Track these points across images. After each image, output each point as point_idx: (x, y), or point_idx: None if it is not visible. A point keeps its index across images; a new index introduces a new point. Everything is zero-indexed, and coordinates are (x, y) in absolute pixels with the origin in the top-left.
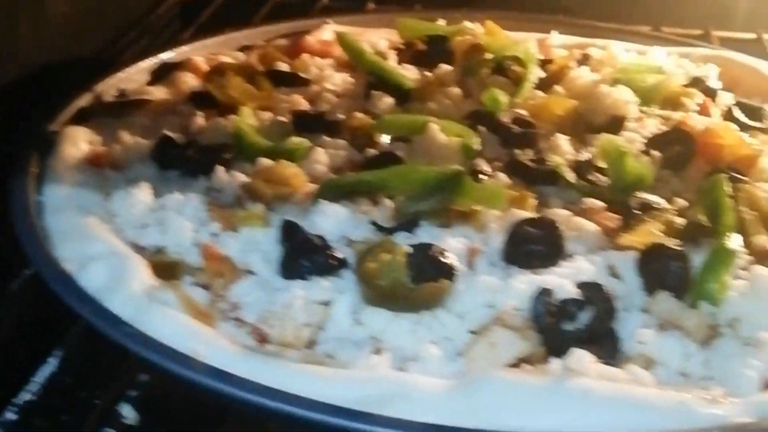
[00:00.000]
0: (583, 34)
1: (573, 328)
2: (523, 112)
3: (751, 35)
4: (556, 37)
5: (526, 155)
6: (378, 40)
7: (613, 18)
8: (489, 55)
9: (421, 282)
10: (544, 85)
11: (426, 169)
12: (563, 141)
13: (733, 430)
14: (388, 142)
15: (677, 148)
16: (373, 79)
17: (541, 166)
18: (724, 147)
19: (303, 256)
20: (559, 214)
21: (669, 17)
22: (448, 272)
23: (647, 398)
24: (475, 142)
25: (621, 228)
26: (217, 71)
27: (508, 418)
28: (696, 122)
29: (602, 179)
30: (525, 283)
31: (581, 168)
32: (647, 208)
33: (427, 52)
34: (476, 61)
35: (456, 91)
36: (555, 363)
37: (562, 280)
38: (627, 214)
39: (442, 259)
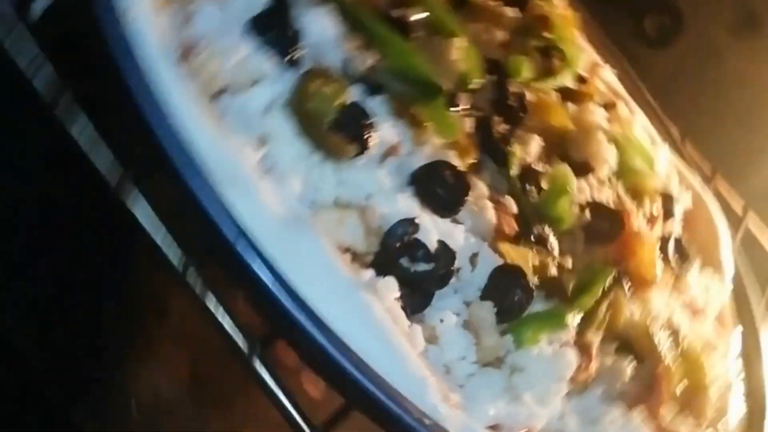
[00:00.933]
0: (628, 89)
1: (406, 266)
2: (530, 96)
3: (738, 205)
4: (607, 72)
5: (498, 125)
6: None
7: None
8: (546, 34)
9: (335, 131)
10: (562, 94)
11: (420, 62)
12: (536, 143)
13: (436, 428)
14: (418, 17)
15: (605, 226)
16: None
17: (502, 144)
18: (636, 257)
19: (270, 28)
20: (479, 186)
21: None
22: (361, 144)
23: (404, 353)
24: (476, 82)
25: (509, 237)
26: None
27: (304, 278)
28: (636, 222)
29: (534, 194)
30: (406, 206)
31: (527, 173)
32: (541, 241)
33: None
34: (534, 28)
35: (500, 35)
36: (369, 273)
37: (433, 228)
38: (524, 232)
39: (365, 132)
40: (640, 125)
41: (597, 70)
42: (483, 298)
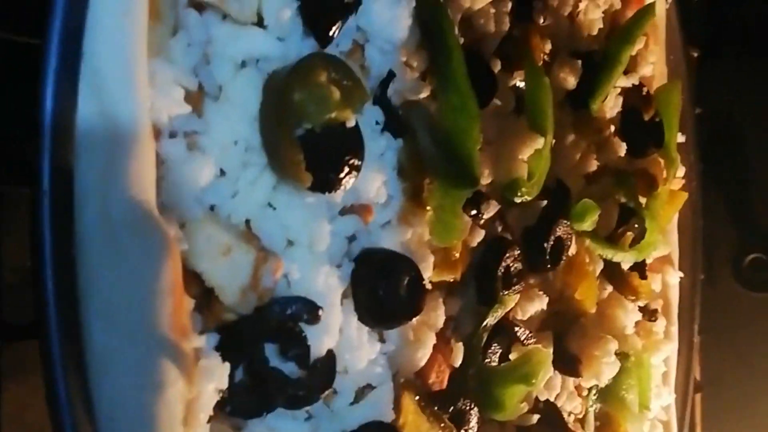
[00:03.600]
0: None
1: (266, 356)
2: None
3: None
4: (674, 277)
5: (512, 259)
6: None
7: None
8: (642, 199)
9: (302, 146)
10: (608, 271)
11: (475, 140)
12: (539, 305)
13: None
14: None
15: None
16: None
17: (500, 282)
18: None
19: None
20: (436, 312)
21: None
22: (325, 180)
23: None
24: (523, 196)
25: (424, 394)
26: None
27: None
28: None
29: (493, 360)
30: (324, 286)
31: (504, 332)
32: (458, 420)
33: None
34: (633, 183)
35: (592, 164)
36: (201, 341)
37: (336, 332)
38: (446, 398)
39: (342, 169)
40: (664, 356)
41: (665, 268)
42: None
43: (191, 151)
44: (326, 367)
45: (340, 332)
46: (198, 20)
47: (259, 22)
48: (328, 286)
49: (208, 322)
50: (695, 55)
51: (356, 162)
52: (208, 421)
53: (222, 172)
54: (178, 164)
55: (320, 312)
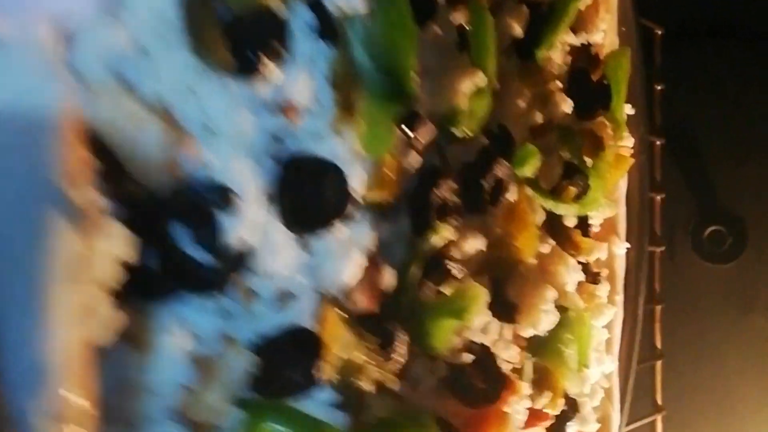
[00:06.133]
0: (630, 282)
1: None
2: (511, 195)
3: None
4: (621, 247)
5: (448, 191)
6: None
7: None
8: (586, 158)
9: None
10: (550, 224)
11: (412, 54)
12: (476, 245)
13: None
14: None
15: (476, 384)
16: None
17: (434, 212)
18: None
19: None
20: (364, 230)
21: None
22: (246, 63)
23: None
24: (462, 130)
25: (350, 312)
26: None
27: None
28: (513, 405)
29: (425, 292)
30: (241, 174)
31: (437, 264)
32: (385, 342)
33: None
34: (578, 141)
35: (537, 118)
36: (103, 202)
37: (255, 224)
38: (373, 320)
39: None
40: (606, 320)
41: (611, 236)
42: (254, 350)
43: (107, 17)
44: (236, 253)
45: (262, 233)
46: None
47: None
48: (248, 180)
49: (114, 193)
50: (659, 32)
51: (280, 49)
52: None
53: (140, 47)
54: (92, 26)
55: (234, 197)
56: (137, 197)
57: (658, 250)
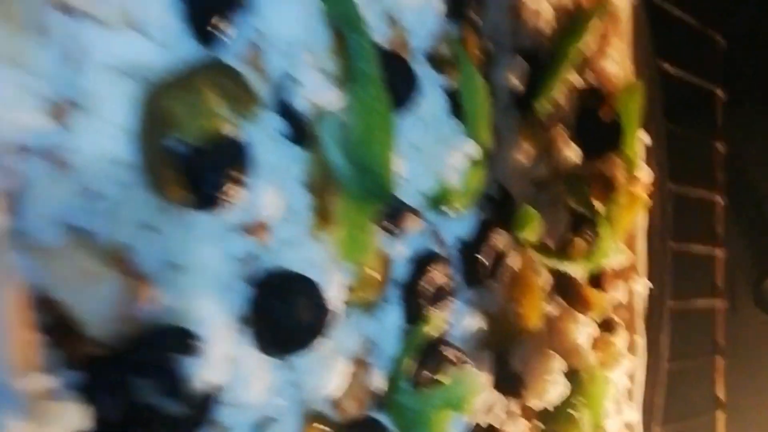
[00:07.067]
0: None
1: (137, 390)
2: (514, 262)
3: None
4: (640, 286)
5: (440, 274)
6: None
7: None
8: (597, 204)
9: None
10: (558, 283)
11: (389, 148)
12: (474, 322)
13: None
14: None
15: None
16: None
17: (425, 299)
18: None
19: None
20: (346, 337)
21: None
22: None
23: None
24: (454, 207)
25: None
26: None
27: None
28: None
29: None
30: (208, 313)
31: (431, 352)
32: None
33: None
34: (586, 186)
35: (541, 170)
36: (53, 382)
37: (223, 361)
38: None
39: (228, 177)
40: (625, 369)
41: (630, 275)
42: None
43: (55, 169)
44: (204, 395)
45: (232, 362)
46: (64, 23)
47: (138, 26)
48: (214, 314)
49: (69, 358)
50: (720, 94)
51: (239, 176)
52: None
53: (94, 192)
54: (39, 183)
55: (195, 342)
56: (94, 356)
57: (720, 303)
